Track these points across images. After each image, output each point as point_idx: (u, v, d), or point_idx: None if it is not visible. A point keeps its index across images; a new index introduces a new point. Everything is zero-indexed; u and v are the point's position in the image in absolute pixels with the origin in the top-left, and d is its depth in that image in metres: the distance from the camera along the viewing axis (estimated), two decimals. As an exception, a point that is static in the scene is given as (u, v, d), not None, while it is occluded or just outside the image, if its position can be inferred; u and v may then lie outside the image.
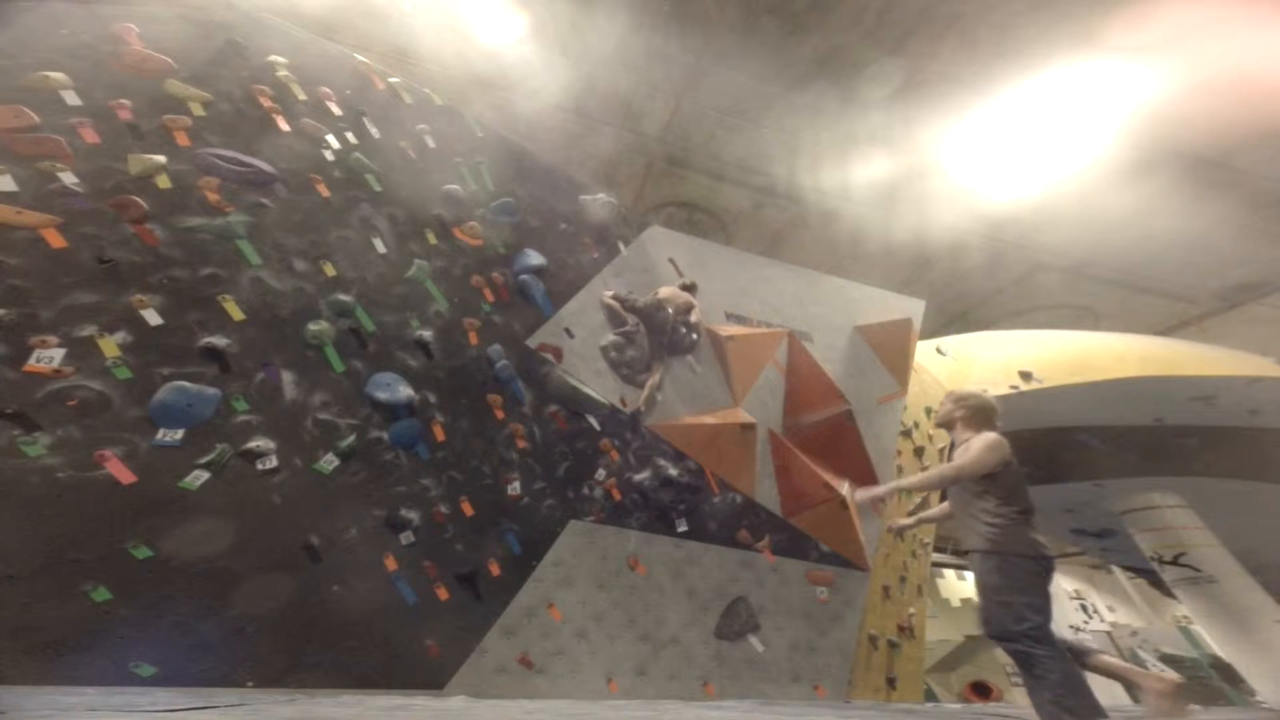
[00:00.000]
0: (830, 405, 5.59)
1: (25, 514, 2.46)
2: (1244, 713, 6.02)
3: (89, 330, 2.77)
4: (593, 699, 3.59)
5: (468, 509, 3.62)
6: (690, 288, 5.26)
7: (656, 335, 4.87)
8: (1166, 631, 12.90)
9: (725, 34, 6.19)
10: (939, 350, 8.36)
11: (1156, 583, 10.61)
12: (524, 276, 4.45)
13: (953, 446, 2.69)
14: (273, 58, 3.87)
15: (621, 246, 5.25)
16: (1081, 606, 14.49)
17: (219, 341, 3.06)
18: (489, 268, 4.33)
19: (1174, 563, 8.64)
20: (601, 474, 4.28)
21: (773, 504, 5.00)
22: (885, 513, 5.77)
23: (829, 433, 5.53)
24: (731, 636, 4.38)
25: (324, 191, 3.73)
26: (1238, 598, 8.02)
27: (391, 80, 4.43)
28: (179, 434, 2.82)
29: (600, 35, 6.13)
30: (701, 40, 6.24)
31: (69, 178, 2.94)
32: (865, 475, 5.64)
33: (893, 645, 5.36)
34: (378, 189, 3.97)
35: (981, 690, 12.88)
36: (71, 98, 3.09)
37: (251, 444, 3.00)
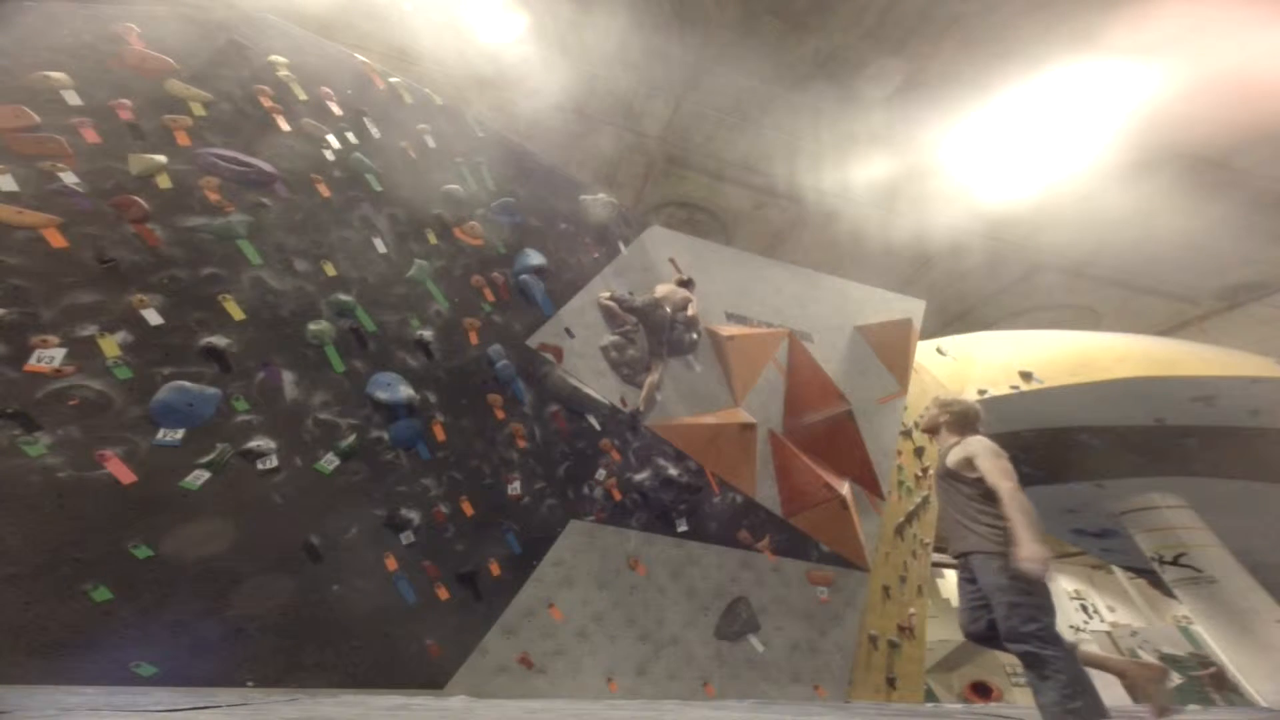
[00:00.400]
0: (830, 405, 5.59)
1: (26, 514, 2.46)
2: (1243, 713, 6.02)
3: (90, 330, 2.77)
4: (593, 699, 3.59)
5: (468, 509, 3.62)
6: (687, 283, 5.26)
7: (655, 334, 4.87)
8: (1166, 631, 12.89)
9: (725, 34, 6.19)
10: (939, 350, 8.37)
11: (1157, 583, 10.62)
12: (524, 276, 4.45)
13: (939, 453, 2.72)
14: (273, 58, 3.87)
15: (622, 246, 5.25)
16: (1082, 607, 14.50)
17: (220, 341, 3.06)
18: (489, 267, 4.33)
19: (1174, 563, 8.64)
20: (602, 474, 4.28)
21: (773, 504, 5.00)
22: (886, 511, 5.77)
23: (829, 433, 5.53)
24: (732, 636, 4.38)
25: (324, 191, 3.73)
26: (1238, 598, 8.02)
27: (392, 80, 4.44)
28: (179, 434, 2.82)
29: (600, 35, 6.14)
30: (701, 40, 6.25)
31: (70, 177, 2.94)
32: (865, 475, 5.64)
33: (893, 645, 5.36)
34: (378, 189, 3.97)
35: (982, 690, 12.88)
36: (72, 97, 3.09)
37: (252, 444, 3.00)
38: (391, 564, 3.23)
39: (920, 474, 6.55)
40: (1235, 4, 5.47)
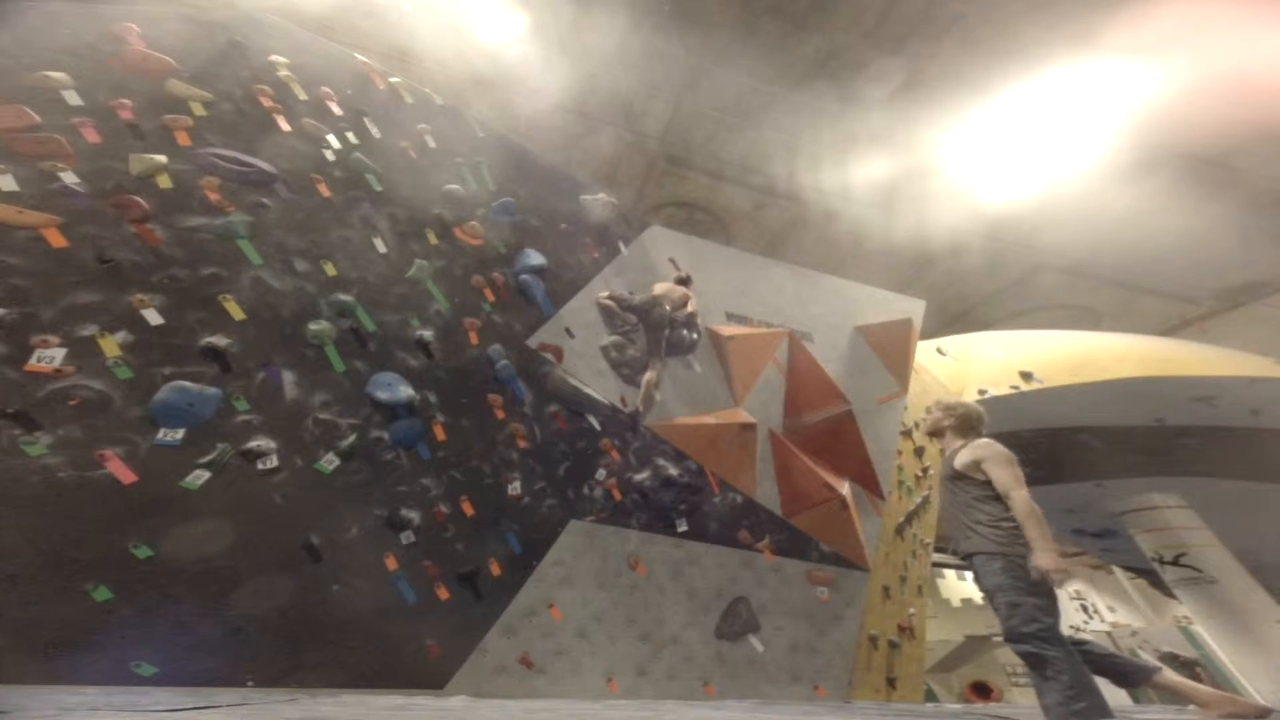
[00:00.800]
0: (831, 405, 5.59)
1: (26, 514, 2.46)
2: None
3: (90, 330, 2.77)
4: (593, 699, 3.59)
5: (468, 509, 3.62)
6: (685, 281, 5.26)
7: (654, 332, 4.87)
8: (1167, 632, 12.89)
9: (725, 34, 6.19)
10: (939, 350, 8.37)
11: (1157, 583, 10.62)
12: (524, 276, 4.45)
13: (942, 454, 2.73)
14: (274, 58, 3.87)
15: (622, 246, 5.25)
16: (1082, 607, 14.49)
17: (220, 341, 3.06)
18: (489, 267, 4.33)
19: (1174, 563, 8.64)
20: (602, 474, 4.28)
21: (773, 504, 5.00)
22: (886, 511, 5.77)
23: (829, 433, 5.53)
24: (732, 636, 4.37)
25: (325, 191, 3.73)
26: (1238, 598, 8.02)
27: (392, 80, 4.44)
28: (180, 434, 2.82)
29: (600, 35, 6.13)
30: (702, 40, 6.25)
31: (70, 177, 2.94)
32: (866, 475, 5.64)
33: (893, 645, 5.36)
34: (378, 189, 3.97)
35: (982, 690, 12.88)
36: (73, 97, 3.10)
37: (252, 444, 3.00)
38: (391, 564, 3.23)
39: (920, 474, 6.55)
40: (1235, 4, 5.47)
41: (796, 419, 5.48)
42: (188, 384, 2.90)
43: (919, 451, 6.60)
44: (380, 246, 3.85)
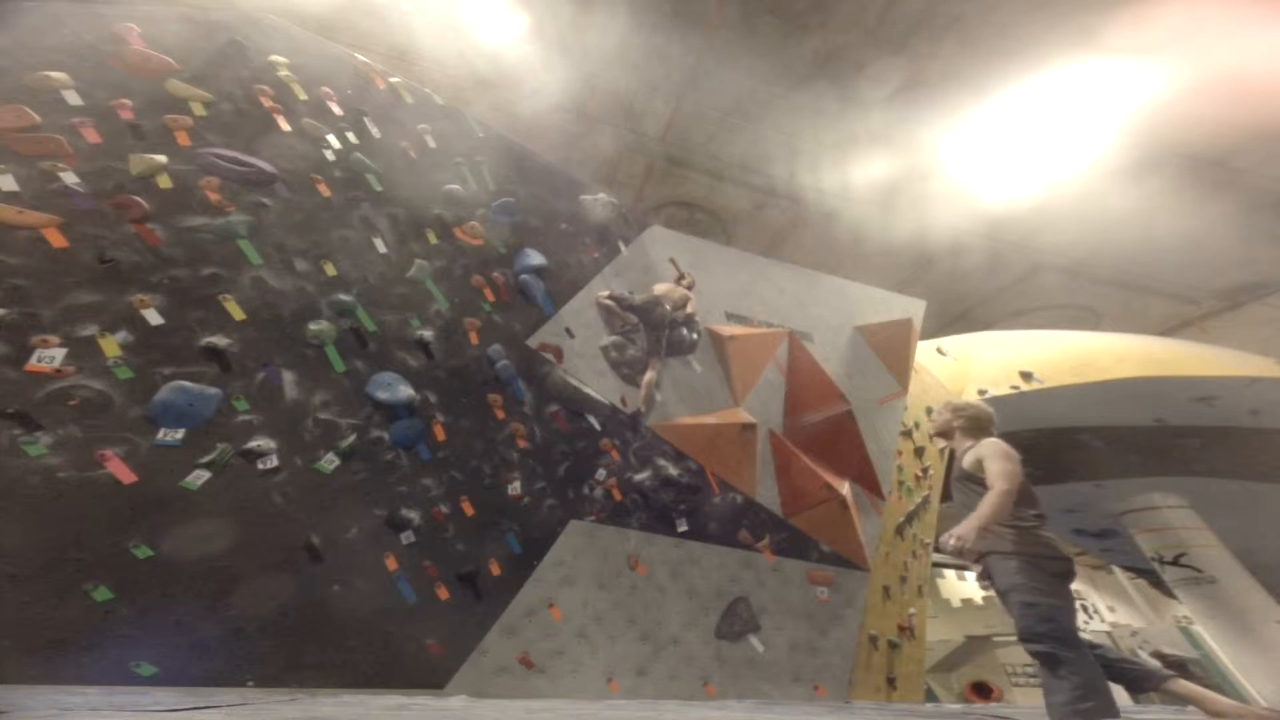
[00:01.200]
0: (831, 405, 5.59)
1: (26, 514, 2.46)
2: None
3: (90, 330, 2.77)
4: (593, 699, 3.59)
5: (468, 509, 3.62)
6: (682, 279, 5.26)
7: (655, 332, 4.87)
8: (1167, 632, 12.89)
9: (726, 34, 6.19)
10: (939, 350, 8.37)
11: (1157, 583, 10.62)
12: (524, 276, 4.45)
13: (952, 454, 2.73)
14: (274, 58, 3.87)
15: (622, 246, 5.25)
16: (1082, 607, 14.49)
17: (220, 341, 3.06)
18: (489, 267, 4.33)
19: (1174, 563, 8.64)
20: (602, 474, 4.28)
21: (773, 504, 5.00)
22: (886, 511, 5.77)
23: (829, 433, 5.53)
24: (732, 636, 4.38)
25: (325, 191, 3.73)
26: (1238, 598, 8.02)
27: (392, 80, 4.44)
28: (180, 433, 2.82)
29: (600, 35, 6.13)
30: (702, 40, 6.24)
31: (70, 177, 2.94)
32: (866, 475, 5.65)
33: (893, 645, 5.36)
34: (378, 189, 3.97)
35: (982, 690, 12.88)
36: (73, 97, 3.10)
37: (252, 443, 3.00)
38: (392, 564, 3.23)
39: (920, 474, 6.55)
40: (1235, 4, 5.46)
41: (797, 419, 5.48)
42: (188, 384, 2.90)
43: (919, 451, 6.60)
44: (380, 246, 3.85)
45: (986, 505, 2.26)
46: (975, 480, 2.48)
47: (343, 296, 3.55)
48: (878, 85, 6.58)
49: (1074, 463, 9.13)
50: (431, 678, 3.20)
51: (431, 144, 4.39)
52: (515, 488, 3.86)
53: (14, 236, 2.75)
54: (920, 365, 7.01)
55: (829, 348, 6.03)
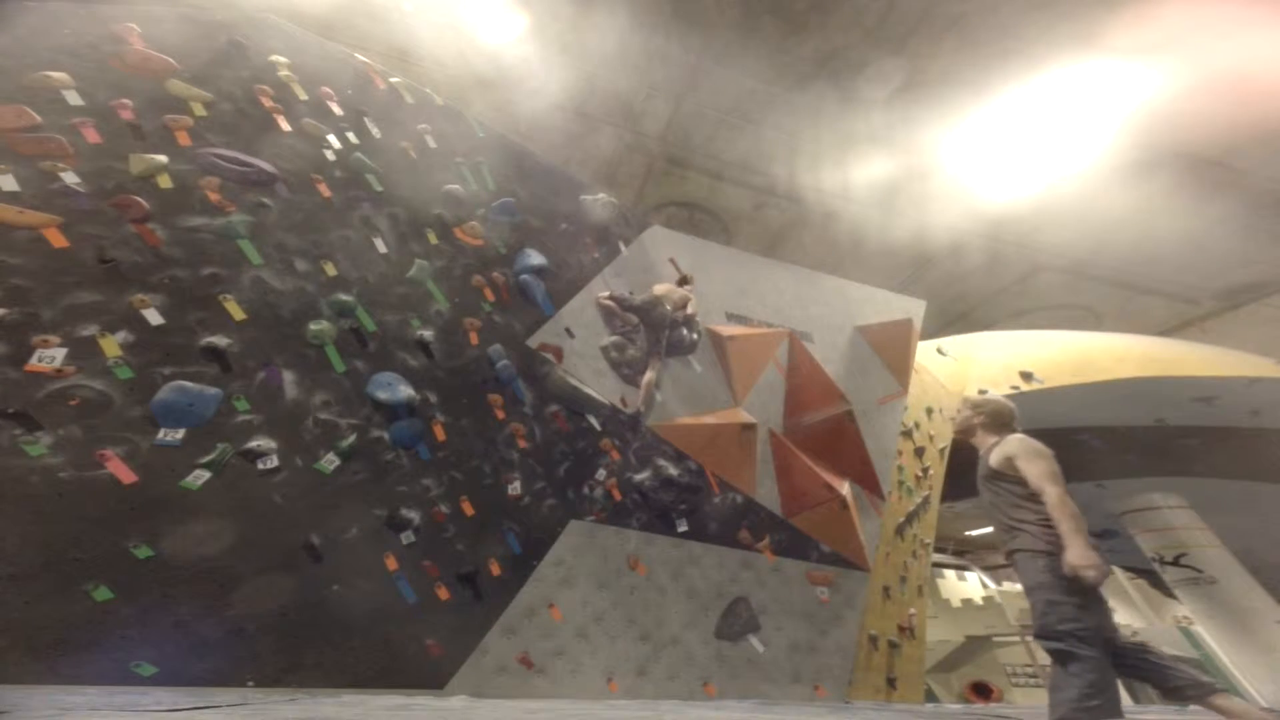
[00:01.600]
0: (831, 405, 5.59)
1: (27, 513, 2.46)
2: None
3: (91, 330, 2.77)
4: (593, 699, 3.59)
5: (468, 509, 3.62)
6: (685, 282, 5.26)
7: (655, 332, 4.87)
8: (1167, 632, 12.89)
9: (726, 34, 6.19)
10: (940, 350, 8.37)
11: (1157, 583, 10.63)
12: (525, 276, 4.45)
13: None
14: (274, 58, 3.87)
15: (622, 246, 5.25)
16: (1082, 607, 14.44)
17: (220, 341, 3.06)
18: (490, 267, 4.33)
19: (1175, 563, 8.65)
20: (602, 474, 4.28)
21: (773, 504, 5.00)
22: (886, 512, 5.77)
23: (830, 433, 5.53)
24: (732, 636, 4.37)
25: (325, 191, 3.73)
26: (1238, 598, 8.02)
27: (393, 80, 4.44)
28: (180, 434, 2.82)
29: (600, 35, 6.13)
30: (702, 40, 6.24)
31: (71, 177, 2.94)
32: (866, 475, 5.64)
33: (893, 645, 5.36)
34: (379, 189, 3.97)
35: (982, 691, 12.87)
36: (73, 98, 3.10)
37: (252, 444, 3.00)
38: (392, 564, 3.23)
39: (920, 474, 6.55)
40: (1235, 4, 5.47)
41: (797, 419, 5.48)
42: (188, 384, 2.90)
43: (919, 452, 6.60)
44: (380, 246, 3.85)
45: (1066, 517, 2.17)
46: (1005, 479, 2.41)
47: (343, 296, 3.55)
48: (878, 85, 6.58)
49: (1074, 463, 9.08)
50: (432, 678, 3.20)
51: (432, 144, 4.39)
52: (515, 488, 3.86)
53: (14, 236, 2.75)
54: (920, 365, 7.01)
55: (829, 348, 6.03)
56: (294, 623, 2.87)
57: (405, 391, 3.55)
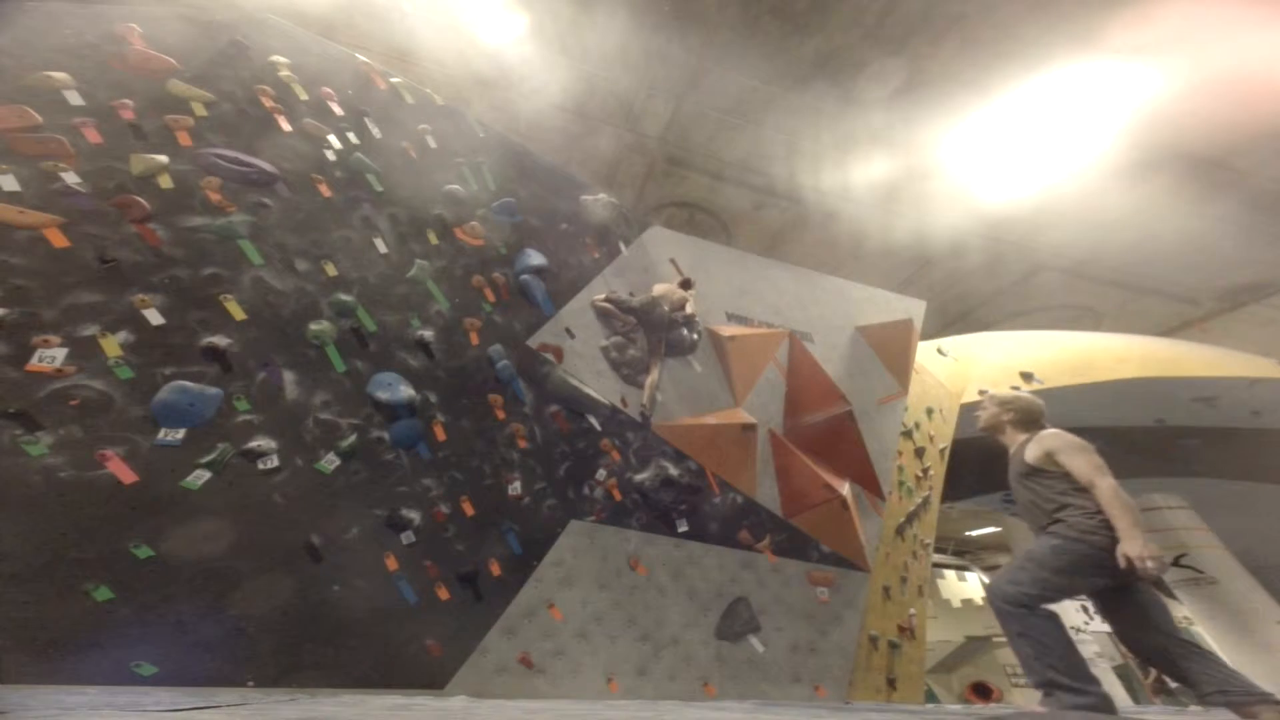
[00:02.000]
0: (831, 406, 5.59)
1: (27, 513, 2.46)
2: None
3: (91, 330, 2.77)
4: (593, 699, 3.59)
5: (469, 509, 3.62)
6: (686, 283, 5.26)
7: (654, 332, 4.87)
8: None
9: (726, 34, 6.19)
10: (940, 351, 8.37)
11: (1157, 584, 10.62)
12: (525, 276, 4.45)
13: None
14: (275, 58, 3.88)
15: (622, 247, 5.26)
16: (1083, 607, 14.48)
17: (221, 341, 3.06)
18: (490, 268, 4.33)
19: (1175, 564, 8.64)
20: (602, 474, 4.28)
21: (773, 504, 5.00)
22: (886, 512, 5.77)
23: (830, 433, 5.53)
24: (732, 637, 4.37)
25: (326, 191, 3.74)
26: (1238, 599, 8.02)
27: (393, 80, 4.44)
28: (180, 433, 2.83)
29: (600, 35, 6.13)
30: (702, 40, 6.24)
31: (71, 177, 2.95)
32: (866, 476, 5.64)
33: (893, 646, 5.36)
34: (379, 189, 3.98)
35: (982, 691, 12.87)
36: (74, 98, 3.10)
37: (253, 443, 3.00)
38: (392, 564, 3.23)
39: (920, 474, 6.55)
40: (1235, 4, 5.46)
41: (797, 419, 5.48)
42: (188, 384, 2.91)
43: (919, 452, 6.60)
44: (381, 247, 3.85)
45: (1122, 511, 2.12)
46: (1046, 474, 2.37)
47: (343, 296, 3.55)
48: (878, 85, 6.58)
49: (1074, 463, 9.11)
50: (431, 678, 3.20)
51: (432, 144, 4.39)
52: (515, 488, 3.86)
53: (15, 236, 2.76)
54: (921, 366, 7.01)
55: (829, 348, 6.03)
56: (294, 623, 2.87)
57: (406, 391, 3.55)
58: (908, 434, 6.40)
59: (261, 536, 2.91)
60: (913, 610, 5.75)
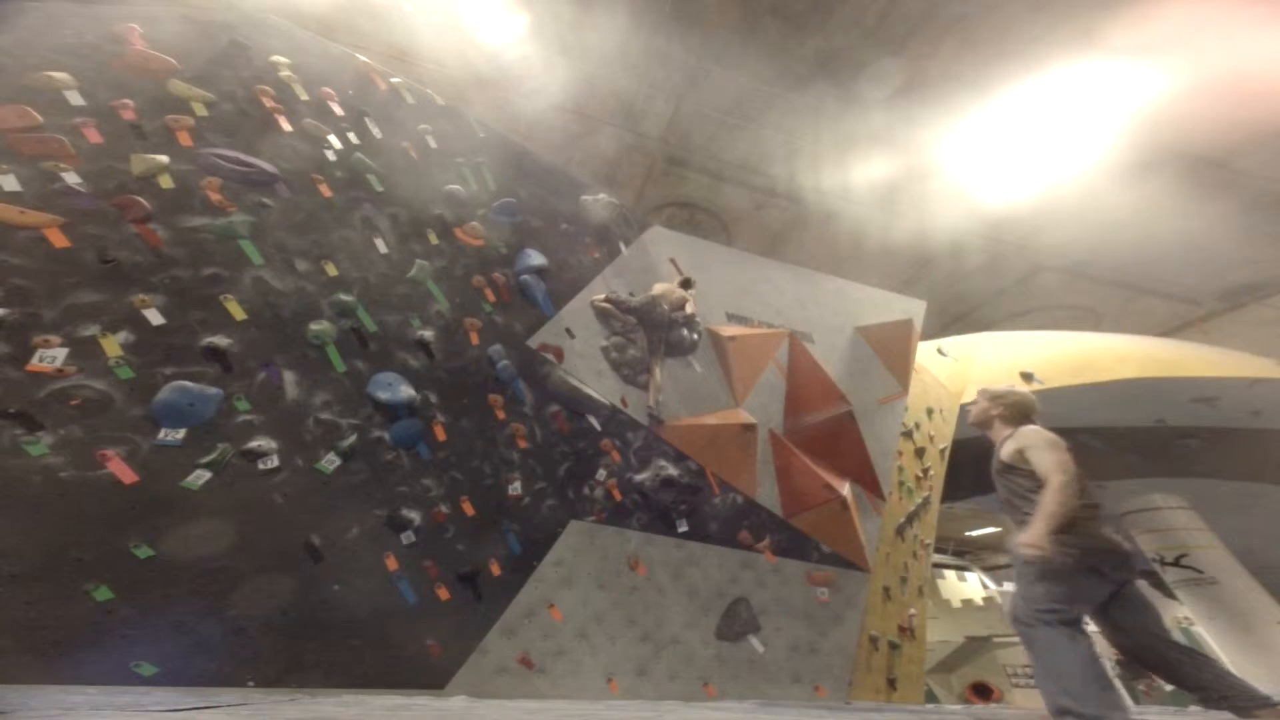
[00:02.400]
0: (831, 406, 5.59)
1: (28, 513, 2.46)
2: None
3: (92, 330, 2.77)
4: (593, 699, 3.59)
5: (469, 509, 3.62)
6: (686, 284, 5.26)
7: (654, 331, 4.87)
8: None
9: (726, 34, 6.19)
10: (940, 351, 8.37)
11: (1158, 584, 10.62)
12: (525, 276, 4.45)
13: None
14: (275, 58, 3.88)
15: (622, 247, 5.26)
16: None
17: (221, 341, 3.06)
18: (490, 268, 4.33)
19: (1175, 564, 8.64)
20: (602, 474, 4.28)
21: (774, 504, 5.00)
22: (886, 512, 5.77)
23: (830, 433, 5.53)
24: (732, 637, 4.37)
25: (326, 191, 3.74)
26: (1239, 599, 8.02)
27: (393, 80, 4.44)
28: (180, 433, 2.83)
29: (600, 35, 6.14)
30: (702, 40, 6.25)
31: (72, 178, 2.95)
32: (866, 476, 5.64)
33: (893, 646, 5.36)
34: (379, 189, 3.98)
35: (982, 691, 12.86)
36: (75, 98, 3.10)
37: (253, 444, 3.00)
38: (392, 564, 3.23)
39: (921, 475, 6.54)
40: (1235, 4, 5.46)
41: (797, 419, 5.48)
42: (189, 384, 2.91)
43: (920, 452, 6.60)
44: (381, 247, 3.85)
45: (1051, 503, 2.07)
46: (1017, 471, 2.32)
47: (344, 296, 3.55)
48: (878, 85, 6.58)
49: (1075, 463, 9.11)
50: (432, 678, 3.20)
51: (432, 144, 4.39)
52: (515, 488, 3.86)
53: (16, 236, 2.76)
54: (921, 366, 7.01)
55: (829, 348, 6.03)
56: (294, 623, 2.87)
57: (406, 391, 3.55)
58: (908, 434, 6.40)
59: (262, 536, 2.91)
60: (913, 610, 5.75)
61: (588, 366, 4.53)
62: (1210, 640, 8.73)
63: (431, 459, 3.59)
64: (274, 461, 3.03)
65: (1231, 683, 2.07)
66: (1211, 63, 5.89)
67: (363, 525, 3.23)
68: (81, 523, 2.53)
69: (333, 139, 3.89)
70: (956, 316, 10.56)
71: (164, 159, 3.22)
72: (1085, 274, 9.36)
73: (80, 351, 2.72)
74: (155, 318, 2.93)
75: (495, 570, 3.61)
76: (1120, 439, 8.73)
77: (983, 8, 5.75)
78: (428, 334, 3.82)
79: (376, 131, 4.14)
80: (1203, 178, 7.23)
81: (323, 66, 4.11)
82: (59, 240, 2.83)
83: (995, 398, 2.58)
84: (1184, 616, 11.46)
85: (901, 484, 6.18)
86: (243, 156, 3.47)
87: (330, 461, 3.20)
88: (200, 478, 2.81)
